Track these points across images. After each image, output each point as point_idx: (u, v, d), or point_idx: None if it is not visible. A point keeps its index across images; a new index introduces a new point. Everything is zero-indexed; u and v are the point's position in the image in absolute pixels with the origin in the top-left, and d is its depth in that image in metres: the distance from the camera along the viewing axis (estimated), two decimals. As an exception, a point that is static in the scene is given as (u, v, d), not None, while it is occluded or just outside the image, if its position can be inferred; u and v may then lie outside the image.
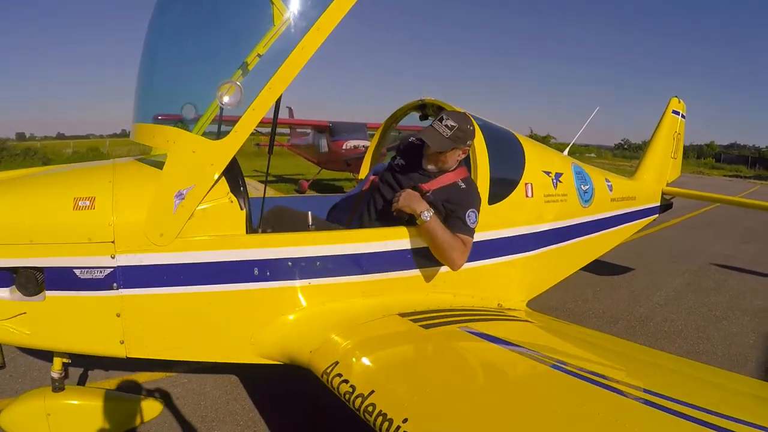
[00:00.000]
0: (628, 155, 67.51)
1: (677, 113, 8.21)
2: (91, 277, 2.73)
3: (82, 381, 4.39)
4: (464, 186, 3.45)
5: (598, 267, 5.68)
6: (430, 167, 3.49)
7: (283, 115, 24.77)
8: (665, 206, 7.71)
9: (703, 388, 2.68)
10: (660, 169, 7.80)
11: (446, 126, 3.33)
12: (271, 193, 6.42)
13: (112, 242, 2.72)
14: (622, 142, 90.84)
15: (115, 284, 2.75)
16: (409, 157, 3.65)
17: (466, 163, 3.80)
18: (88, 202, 2.73)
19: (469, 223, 3.32)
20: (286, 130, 23.15)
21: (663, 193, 7.64)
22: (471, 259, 3.55)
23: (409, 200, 3.26)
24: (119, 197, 2.78)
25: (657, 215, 7.55)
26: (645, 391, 2.38)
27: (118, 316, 2.80)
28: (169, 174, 2.80)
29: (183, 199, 2.75)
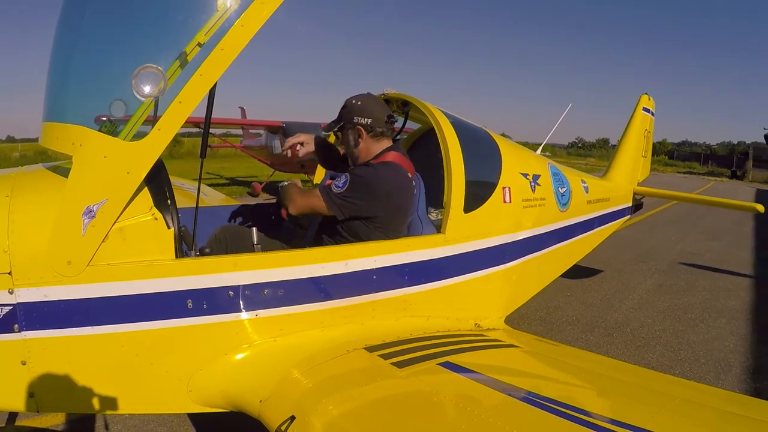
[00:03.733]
0: (582, 153, 68.77)
1: (647, 111, 8.01)
2: None
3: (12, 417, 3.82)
4: (369, 163, 3.15)
5: (567, 270, 5.51)
6: (348, 158, 3.31)
7: (236, 115, 24.31)
8: (636, 206, 7.49)
9: (670, 407, 2.41)
10: (631, 169, 7.57)
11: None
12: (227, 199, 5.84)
13: (9, 273, 2.19)
14: (576, 141, 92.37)
15: (16, 325, 2.23)
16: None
17: (434, 164, 3.44)
18: None
19: (332, 184, 2.98)
20: (239, 131, 22.77)
21: (634, 193, 7.39)
22: (445, 276, 3.24)
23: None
24: (17, 216, 2.24)
25: (629, 216, 7.28)
26: (611, 421, 2.14)
27: (24, 364, 2.27)
28: (74, 186, 2.26)
29: (93, 217, 2.22)
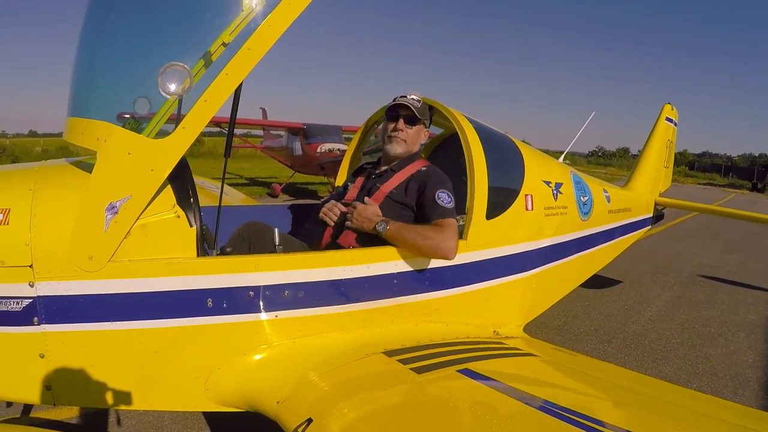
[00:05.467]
0: (603, 162, 68.36)
1: (670, 120, 7.94)
2: (6, 309, 2.21)
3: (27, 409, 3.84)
4: (425, 169, 3.18)
5: (586, 280, 5.48)
6: (397, 150, 3.21)
7: (257, 115, 24.43)
8: (657, 217, 7.44)
9: (688, 421, 2.37)
10: (653, 179, 7.52)
11: (414, 99, 3.23)
12: (240, 199, 5.84)
13: (30, 266, 2.20)
14: (597, 149, 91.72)
15: (36, 318, 2.23)
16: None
17: (457, 170, 3.43)
18: (0, 216, 2.21)
19: (443, 204, 2.95)
20: (260, 132, 22.92)
21: (656, 204, 7.33)
22: (466, 282, 3.20)
23: (361, 219, 2.91)
24: (40, 210, 2.24)
25: (650, 227, 7.21)
26: None
27: (42, 357, 2.28)
28: (98, 182, 2.25)
29: (116, 213, 2.21)
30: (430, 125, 3.35)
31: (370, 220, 2.87)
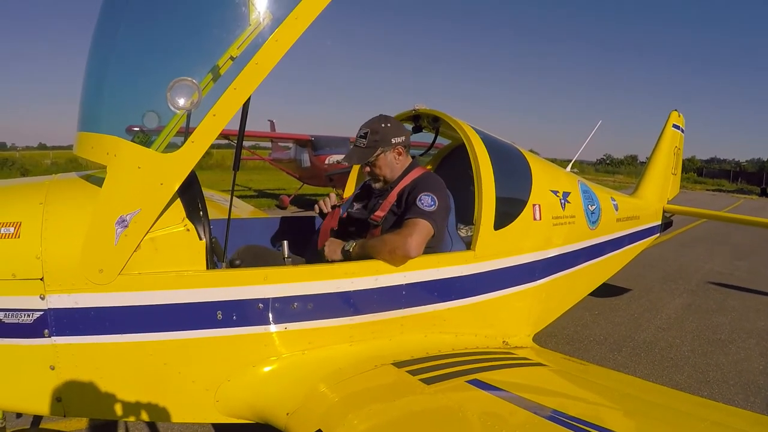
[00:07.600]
0: (610, 170, 68.24)
1: (677, 127, 7.93)
2: (17, 321, 2.23)
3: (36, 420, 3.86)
4: (419, 176, 3.22)
5: (595, 289, 5.46)
6: (377, 185, 3.33)
7: (265, 128, 24.48)
8: (666, 224, 7.41)
9: (699, 430, 2.37)
10: (661, 187, 7.49)
11: (360, 137, 3.23)
12: (248, 211, 5.86)
13: (41, 279, 2.22)
14: (604, 157, 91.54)
15: (46, 330, 2.25)
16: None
17: (464, 181, 3.46)
18: (12, 229, 2.24)
19: (421, 206, 2.94)
20: (268, 144, 22.99)
21: (664, 211, 7.31)
22: (475, 293, 3.20)
23: (330, 254, 3.02)
24: (50, 223, 2.27)
25: (658, 234, 7.19)
26: None
27: (53, 368, 2.30)
28: (108, 196, 2.28)
29: (126, 226, 2.24)
30: (411, 130, 3.45)
31: (335, 251, 2.97)
